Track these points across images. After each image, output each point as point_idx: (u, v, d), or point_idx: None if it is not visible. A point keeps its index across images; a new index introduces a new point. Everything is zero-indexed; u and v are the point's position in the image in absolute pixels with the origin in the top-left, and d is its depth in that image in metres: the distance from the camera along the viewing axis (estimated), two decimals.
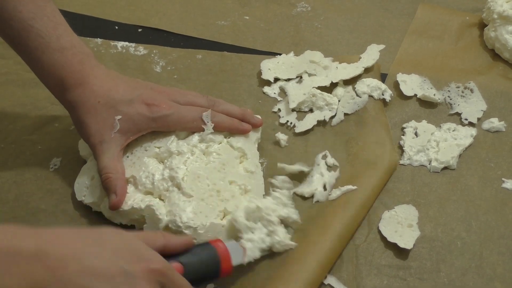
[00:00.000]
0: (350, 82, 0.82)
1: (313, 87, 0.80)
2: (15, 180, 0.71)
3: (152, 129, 0.69)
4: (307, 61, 0.84)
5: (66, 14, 0.93)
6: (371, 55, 0.85)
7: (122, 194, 0.65)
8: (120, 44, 0.89)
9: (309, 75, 0.83)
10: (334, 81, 0.82)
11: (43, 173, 0.72)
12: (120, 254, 0.50)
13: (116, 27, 0.92)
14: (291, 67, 0.84)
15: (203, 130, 0.70)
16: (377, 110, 0.79)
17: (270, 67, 0.84)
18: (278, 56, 0.86)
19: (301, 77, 0.83)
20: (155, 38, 0.90)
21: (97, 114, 0.66)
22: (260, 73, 0.84)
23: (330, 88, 0.81)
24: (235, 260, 0.60)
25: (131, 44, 0.89)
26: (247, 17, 0.94)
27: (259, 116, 0.74)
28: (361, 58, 0.84)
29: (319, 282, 0.63)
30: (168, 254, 0.55)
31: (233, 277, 0.63)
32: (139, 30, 0.92)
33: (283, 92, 0.82)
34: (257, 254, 0.62)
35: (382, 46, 0.87)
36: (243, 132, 0.72)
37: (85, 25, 0.92)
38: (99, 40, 0.89)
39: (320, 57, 0.85)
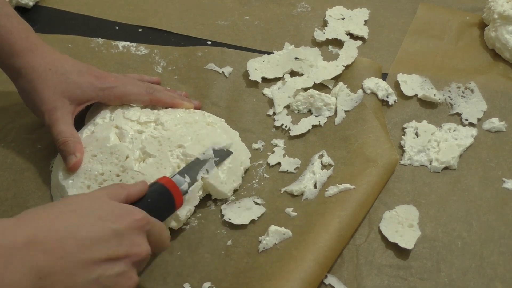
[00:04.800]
0: (346, 80, 0.83)
1: (298, 88, 0.82)
2: (14, 179, 0.71)
3: (99, 99, 0.72)
4: (292, 59, 0.85)
5: (66, 14, 0.94)
6: (349, 52, 0.86)
7: (81, 156, 0.67)
8: (121, 44, 0.89)
9: (295, 74, 0.84)
10: (316, 82, 0.82)
11: (43, 172, 0.72)
12: (104, 217, 0.51)
13: (116, 27, 0.92)
14: (277, 65, 0.85)
15: (147, 103, 0.74)
16: (376, 109, 0.79)
17: (256, 67, 0.85)
18: (265, 55, 0.87)
19: (284, 78, 0.84)
20: (155, 38, 0.91)
21: (48, 80, 0.69)
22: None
23: (319, 86, 0.83)
24: (184, 189, 0.64)
25: (133, 44, 0.89)
26: (247, 17, 0.94)
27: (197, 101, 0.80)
28: (340, 55, 0.86)
29: (317, 281, 0.62)
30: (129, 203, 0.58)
31: (228, 274, 0.64)
32: (139, 30, 0.92)
33: None
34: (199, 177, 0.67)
35: (359, 43, 0.88)
36: (185, 107, 0.76)
37: (85, 25, 0.92)
38: (100, 40, 0.89)
39: (304, 54, 0.86)
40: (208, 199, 0.71)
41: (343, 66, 0.84)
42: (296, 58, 0.85)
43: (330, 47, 0.89)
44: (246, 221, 0.68)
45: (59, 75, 0.69)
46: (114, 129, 0.70)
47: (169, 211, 0.63)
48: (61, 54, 0.72)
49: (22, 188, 0.71)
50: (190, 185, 0.66)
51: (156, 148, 0.69)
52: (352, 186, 0.69)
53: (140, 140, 0.69)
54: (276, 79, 0.84)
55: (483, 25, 0.92)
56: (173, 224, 0.66)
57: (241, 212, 0.69)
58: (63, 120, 0.68)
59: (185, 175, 0.66)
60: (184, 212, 0.66)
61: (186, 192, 0.65)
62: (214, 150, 0.70)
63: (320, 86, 0.83)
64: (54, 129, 0.68)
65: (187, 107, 0.76)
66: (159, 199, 0.61)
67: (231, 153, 0.71)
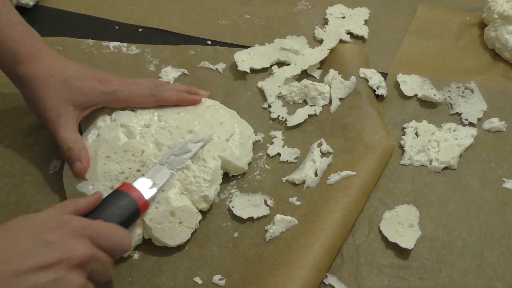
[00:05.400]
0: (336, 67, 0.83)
1: (287, 77, 0.83)
2: (15, 183, 0.71)
3: (104, 104, 0.72)
4: (278, 49, 0.86)
5: (67, 14, 0.94)
6: (332, 35, 0.87)
7: (87, 161, 0.67)
8: (112, 44, 0.88)
9: (282, 63, 0.86)
10: (303, 68, 0.84)
11: (43, 176, 0.72)
12: (37, 230, 0.52)
13: (116, 27, 0.92)
14: (263, 57, 0.86)
15: (152, 105, 0.74)
16: (370, 95, 0.80)
17: (243, 58, 0.85)
18: (250, 48, 0.88)
19: (272, 70, 0.85)
20: (156, 38, 0.90)
21: (50, 88, 0.68)
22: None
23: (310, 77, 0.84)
24: (148, 194, 0.65)
25: (123, 43, 0.88)
26: (248, 16, 0.94)
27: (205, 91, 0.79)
28: (324, 40, 0.87)
29: (326, 268, 0.64)
30: (84, 215, 0.59)
31: (238, 265, 0.65)
32: (139, 29, 0.92)
33: None
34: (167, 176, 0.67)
35: (341, 24, 0.90)
36: (192, 103, 0.76)
37: (85, 25, 0.92)
38: (90, 41, 0.89)
39: (289, 43, 0.87)
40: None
41: (328, 49, 0.85)
42: (281, 49, 0.86)
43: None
44: (245, 216, 0.69)
45: (61, 81, 0.69)
46: (120, 129, 0.71)
47: (133, 215, 0.63)
48: (65, 59, 0.72)
49: (23, 192, 0.70)
50: (159, 186, 0.66)
51: (168, 138, 0.70)
52: (353, 173, 0.70)
53: (150, 134, 0.71)
54: (264, 70, 0.85)
55: (483, 25, 0.92)
56: (203, 205, 0.68)
57: (248, 206, 0.70)
58: (67, 126, 0.68)
59: (151, 177, 0.66)
60: (212, 191, 0.68)
61: (153, 194, 0.65)
62: (188, 144, 0.70)
63: (311, 78, 0.83)
64: (58, 136, 0.68)
65: (195, 103, 0.76)
66: (117, 205, 0.61)
67: (203, 144, 0.71)
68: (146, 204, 0.64)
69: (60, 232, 0.52)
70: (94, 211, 0.60)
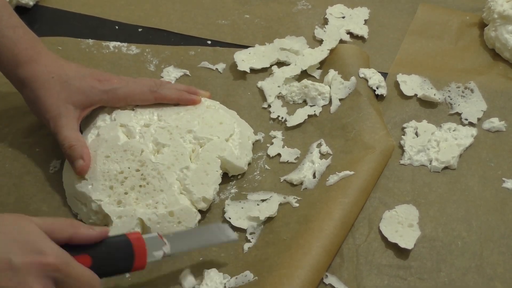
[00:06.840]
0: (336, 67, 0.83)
1: (287, 77, 0.83)
2: (15, 183, 0.71)
3: (103, 103, 0.72)
4: (278, 49, 0.86)
5: (66, 14, 0.94)
6: (332, 36, 0.87)
7: (89, 159, 0.67)
8: (112, 44, 0.88)
9: (282, 63, 0.86)
10: (303, 68, 0.84)
11: (43, 176, 0.72)
12: (11, 245, 0.48)
13: (117, 27, 0.92)
14: (263, 57, 0.86)
15: (151, 102, 0.74)
16: (370, 96, 0.80)
17: (243, 59, 0.85)
18: (250, 48, 0.88)
19: (272, 70, 0.85)
20: (155, 38, 0.90)
21: (50, 88, 0.69)
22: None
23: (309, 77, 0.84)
24: (151, 256, 0.58)
25: (123, 43, 0.88)
26: (247, 16, 0.94)
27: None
28: (324, 40, 0.87)
29: (325, 268, 0.63)
30: (78, 244, 0.53)
31: (238, 267, 0.64)
32: (139, 29, 0.92)
33: None
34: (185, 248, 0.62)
35: (341, 24, 0.90)
36: (191, 102, 0.75)
37: (85, 25, 0.92)
38: (90, 41, 0.89)
39: (289, 44, 0.87)
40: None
41: (328, 50, 0.85)
42: (281, 49, 0.86)
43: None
44: (245, 226, 0.68)
45: (61, 82, 0.69)
46: (120, 128, 0.71)
47: (122, 269, 0.57)
48: (65, 60, 0.72)
49: (23, 192, 0.70)
50: (168, 253, 0.59)
51: (167, 138, 0.70)
52: (352, 173, 0.70)
53: (150, 133, 0.71)
54: (264, 69, 0.85)
55: (483, 25, 0.92)
56: (202, 205, 0.68)
57: (242, 214, 0.69)
58: (68, 126, 0.68)
59: (167, 241, 0.59)
60: (211, 191, 0.68)
61: (157, 258, 0.58)
62: (224, 231, 0.65)
63: (311, 78, 0.83)
64: (59, 135, 0.68)
65: (194, 103, 0.75)
66: (115, 252, 0.56)
67: (236, 240, 0.66)
68: (142, 267, 0.57)
69: (30, 260, 0.48)
70: (89, 246, 0.54)
